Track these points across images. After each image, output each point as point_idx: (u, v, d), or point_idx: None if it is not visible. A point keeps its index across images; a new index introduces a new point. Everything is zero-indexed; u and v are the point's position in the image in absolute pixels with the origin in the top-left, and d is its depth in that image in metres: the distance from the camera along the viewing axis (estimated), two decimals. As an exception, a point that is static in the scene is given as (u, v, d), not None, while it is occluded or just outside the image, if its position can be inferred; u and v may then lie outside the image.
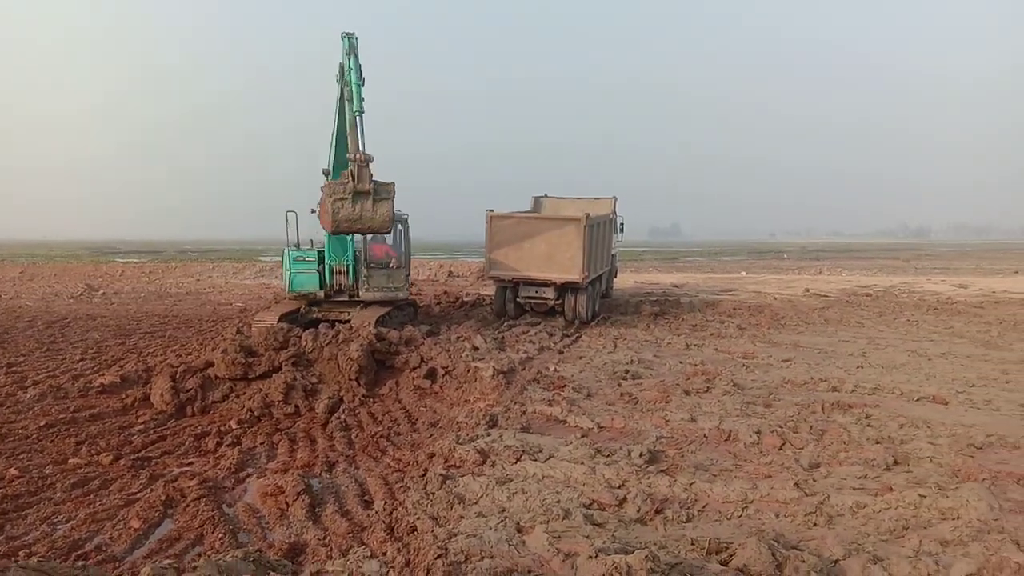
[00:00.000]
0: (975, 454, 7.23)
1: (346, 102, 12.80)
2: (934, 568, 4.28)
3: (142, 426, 8.61)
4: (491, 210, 16.45)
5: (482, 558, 4.97)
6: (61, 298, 22.32)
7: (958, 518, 5.54)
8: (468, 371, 10.52)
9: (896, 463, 6.96)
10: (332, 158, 13.51)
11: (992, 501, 5.69)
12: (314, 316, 14.31)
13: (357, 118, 12.69)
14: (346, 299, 14.39)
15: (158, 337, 14.78)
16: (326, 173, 13.38)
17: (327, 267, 14.33)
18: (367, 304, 14.38)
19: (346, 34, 12.78)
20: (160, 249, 70.21)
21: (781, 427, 8.23)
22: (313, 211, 13.47)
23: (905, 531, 5.39)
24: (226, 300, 22.31)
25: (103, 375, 10.49)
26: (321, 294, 14.30)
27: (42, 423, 8.29)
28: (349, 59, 12.73)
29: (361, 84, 12.71)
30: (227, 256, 47.98)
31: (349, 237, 14.23)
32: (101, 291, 24.49)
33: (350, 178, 12.59)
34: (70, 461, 7.23)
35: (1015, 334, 15.54)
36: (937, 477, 6.54)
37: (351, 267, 14.38)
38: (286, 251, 14.25)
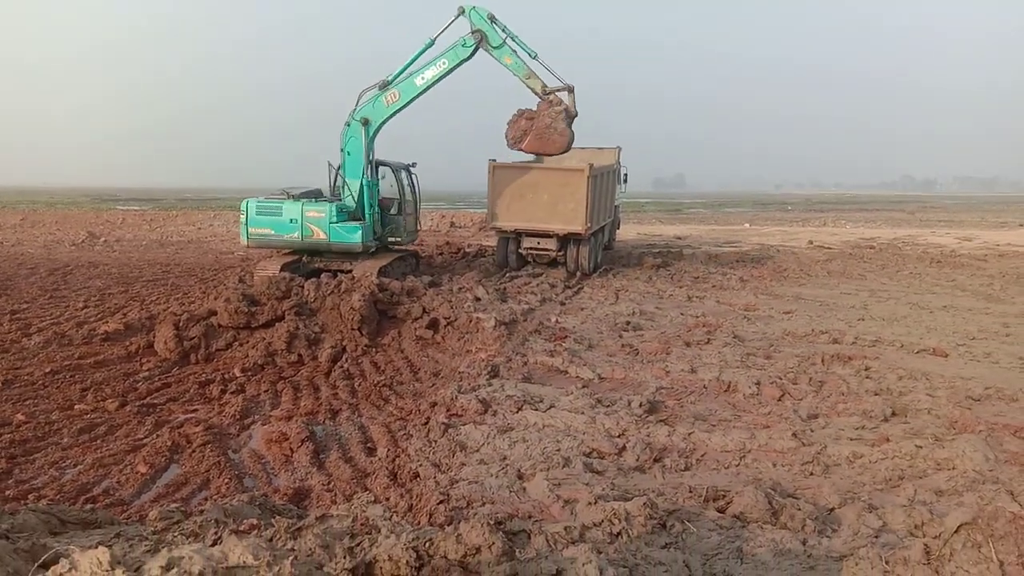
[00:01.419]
0: (973, 406, 7.30)
1: (513, 55, 13.85)
2: (928, 517, 4.35)
3: (147, 373, 8.68)
4: (493, 159, 16.29)
5: (483, 504, 5.07)
6: (63, 245, 22.30)
7: (953, 468, 5.61)
8: (470, 322, 10.56)
9: (894, 414, 7.03)
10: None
11: (988, 452, 5.76)
12: (316, 266, 14.33)
13: (536, 60, 14.07)
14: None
15: (161, 285, 14.81)
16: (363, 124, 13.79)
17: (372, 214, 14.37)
18: (369, 254, 14.41)
19: (473, 8, 13.67)
20: (160, 196, 69.88)
21: (781, 378, 8.29)
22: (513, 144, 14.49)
23: (901, 481, 5.47)
24: (228, 249, 22.30)
25: (107, 323, 10.54)
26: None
27: (47, 369, 8.35)
28: (489, 26, 13.65)
29: (516, 48, 13.92)
30: (228, 204, 47.77)
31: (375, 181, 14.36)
32: (103, 239, 24.46)
33: (561, 103, 14.06)
34: (76, 407, 7.31)
35: (1017, 287, 15.54)
36: (934, 428, 6.61)
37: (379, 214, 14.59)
38: (330, 205, 13.87)
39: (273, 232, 13.84)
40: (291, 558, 1.94)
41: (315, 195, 14.34)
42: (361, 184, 14.27)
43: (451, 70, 13.84)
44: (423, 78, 13.75)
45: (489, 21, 13.64)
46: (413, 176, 16.08)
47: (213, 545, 2.17)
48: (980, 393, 7.68)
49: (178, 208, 47.83)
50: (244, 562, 1.92)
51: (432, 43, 13.68)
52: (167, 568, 1.85)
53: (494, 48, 13.69)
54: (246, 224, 13.83)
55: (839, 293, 14.78)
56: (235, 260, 19.33)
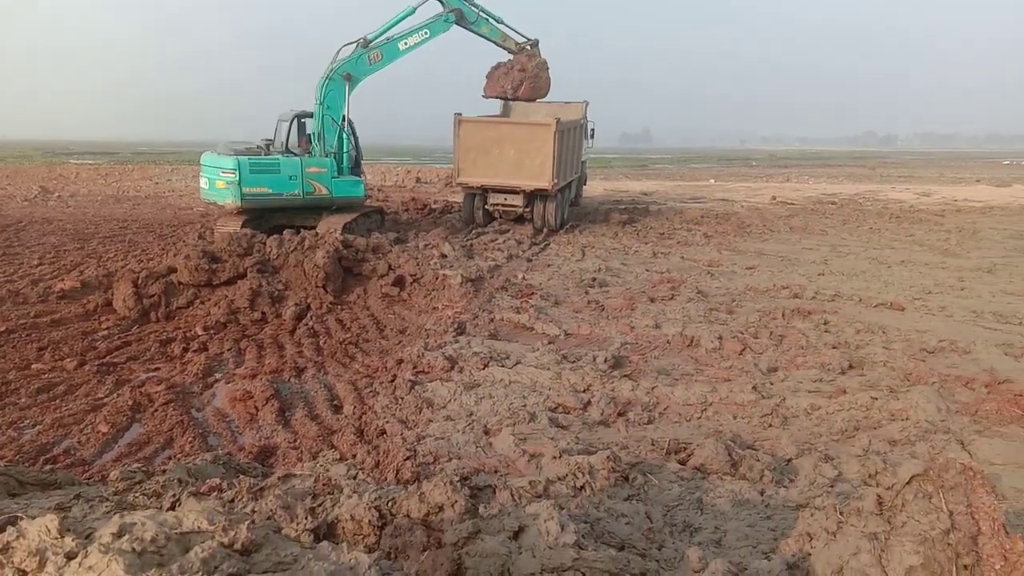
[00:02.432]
0: (927, 358, 7.52)
1: (486, 23, 15.52)
2: (881, 466, 4.50)
3: (105, 332, 8.51)
4: (459, 113, 16.05)
5: (450, 459, 5.11)
6: (14, 200, 21.58)
7: (907, 419, 5.80)
8: (436, 279, 10.52)
9: (851, 367, 7.21)
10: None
11: (940, 403, 5.96)
12: (278, 222, 14.07)
13: (501, 26, 15.94)
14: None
15: (118, 242, 14.46)
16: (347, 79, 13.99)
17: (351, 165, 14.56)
18: (333, 210, 14.22)
19: None
20: (115, 150, 67.73)
21: (742, 333, 8.43)
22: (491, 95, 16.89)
23: (856, 431, 5.64)
24: (187, 204, 21.79)
25: (63, 280, 10.27)
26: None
27: (1, 328, 8.14)
28: (464, 3, 14.92)
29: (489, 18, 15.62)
30: (186, 159, 46.46)
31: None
32: (56, 194, 23.72)
33: (538, 54, 16.29)
34: (33, 367, 7.15)
35: (972, 242, 15.93)
36: (889, 380, 6.80)
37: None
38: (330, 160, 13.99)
39: (271, 190, 13.42)
40: (247, 522, 1.93)
41: (265, 148, 13.99)
42: (340, 136, 14.25)
43: (430, 39, 14.77)
44: (406, 43, 14.49)
45: None
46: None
47: (171, 507, 2.15)
48: (934, 346, 7.91)
49: (134, 162, 46.45)
50: (199, 527, 1.90)
51: (413, 11, 14.48)
52: (118, 535, 1.82)
53: (471, 23, 15.14)
54: (239, 183, 13.05)
55: (801, 248, 15.01)
56: (194, 216, 18.91)
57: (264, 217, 13.88)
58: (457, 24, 14.95)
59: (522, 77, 16.46)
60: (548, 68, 16.59)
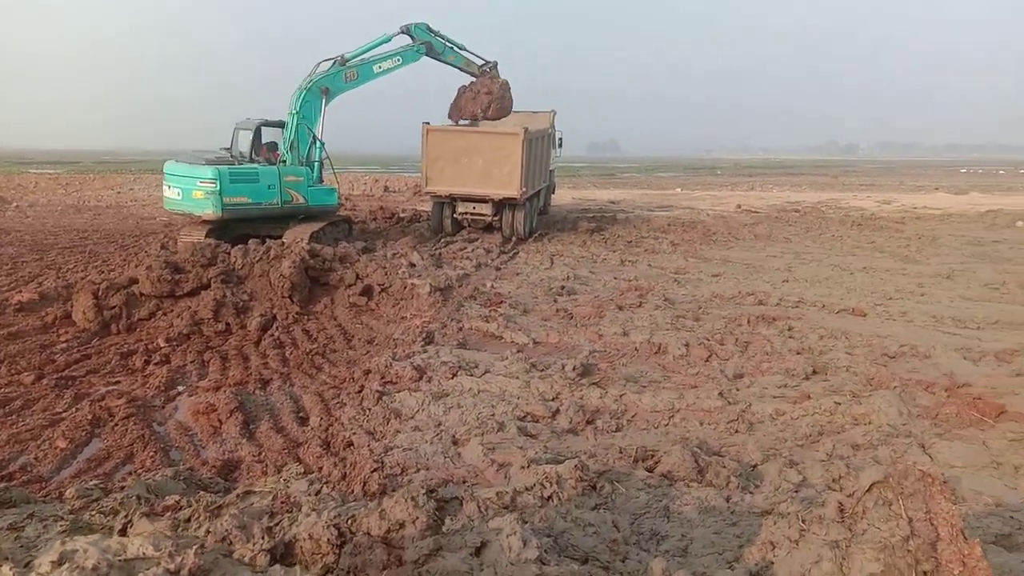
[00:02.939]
0: (888, 363, 7.65)
1: (452, 52, 16.55)
2: (845, 471, 4.56)
3: (64, 345, 8.30)
4: (427, 122, 16.03)
5: (418, 470, 5.06)
6: (-31, 211, 21.01)
7: (869, 423, 5.89)
8: (405, 288, 10.45)
9: (815, 372, 7.31)
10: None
11: (901, 407, 6.07)
12: (243, 231, 13.87)
13: (464, 52, 16.96)
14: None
15: (78, 252, 14.14)
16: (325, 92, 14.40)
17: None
18: (299, 219, 14.10)
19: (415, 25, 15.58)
20: (77, 159, 66.39)
21: (708, 339, 8.51)
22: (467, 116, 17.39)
23: (820, 436, 5.71)
24: (149, 214, 21.40)
25: (20, 292, 10.01)
26: None
27: (-45, 343, 7.90)
28: (432, 36, 15.82)
29: (454, 47, 16.63)
30: (149, 168, 45.63)
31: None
32: (14, 204, 23.13)
33: (498, 75, 17.35)
34: (-12, 382, 6.95)
35: (931, 249, 16.30)
36: (852, 385, 6.90)
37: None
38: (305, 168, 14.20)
39: (251, 200, 13.27)
40: (195, 547, 1.87)
41: (237, 158, 13.87)
42: (313, 146, 14.50)
43: (403, 66, 15.69)
44: (380, 67, 15.24)
45: (429, 32, 15.77)
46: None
47: (122, 529, 2.08)
48: (895, 350, 8.06)
49: (96, 171, 45.54)
50: (144, 553, 1.83)
51: (389, 39, 15.29)
52: (59, 563, 1.75)
53: (439, 53, 16.15)
54: (220, 193, 12.75)
55: (765, 256, 15.21)
56: (157, 226, 18.58)
57: (229, 227, 13.66)
58: (427, 55, 15.93)
59: (489, 100, 17.33)
60: (510, 88, 17.56)
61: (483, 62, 17.36)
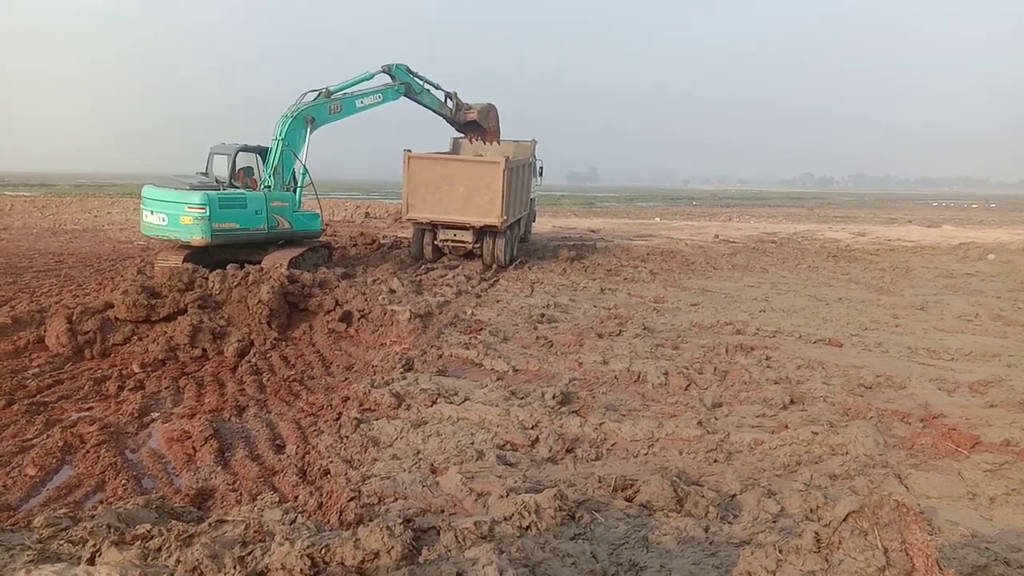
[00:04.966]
0: (864, 393, 7.72)
1: (428, 94, 17.03)
2: (822, 501, 4.57)
3: (36, 370, 8.15)
4: (408, 150, 16.11)
5: (395, 499, 5.00)
6: (-59, 233, 20.67)
7: (847, 453, 5.93)
8: (384, 314, 10.41)
9: (792, 402, 7.36)
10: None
11: (878, 437, 6.12)
12: (222, 256, 13.76)
13: (438, 93, 17.47)
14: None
15: (53, 276, 13.94)
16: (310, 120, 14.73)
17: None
18: (279, 245, 14.04)
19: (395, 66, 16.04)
20: (53, 182, 65.74)
21: (687, 368, 8.54)
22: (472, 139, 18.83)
23: (798, 466, 5.73)
24: (126, 238, 21.20)
25: (-9, 316, 9.83)
26: None
27: (-78, 368, 7.73)
28: (411, 78, 16.32)
29: (428, 88, 17.13)
30: (126, 191, 45.21)
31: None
32: (-13, 226, 22.81)
33: (459, 110, 17.97)
34: (-44, 408, 6.79)
35: (905, 280, 16.55)
36: (829, 415, 6.95)
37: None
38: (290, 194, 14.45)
39: (239, 225, 13.20)
40: (166, 577, 1.83)
41: (218, 183, 13.83)
42: (297, 171, 14.70)
43: (383, 103, 16.14)
44: (362, 103, 15.59)
45: (408, 73, 16.23)
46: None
47: (91, 559, 2.03)
48: (871, 381, 8.14)
49: (72, 194, 45.07)
50: (114, 582, 1.79)
51: (371, 77, 15.72)
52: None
53: (417, 94, 16.65)
54: (209, 219, 12.61)
55: (743, 286, 15.36)
56: (134, 250, 18.40)
57: (209, 251, 13.55)
58: (405, 96, 16.44)
59: (497, 125, 18.90)
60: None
61: (444, 93, 17.87)
